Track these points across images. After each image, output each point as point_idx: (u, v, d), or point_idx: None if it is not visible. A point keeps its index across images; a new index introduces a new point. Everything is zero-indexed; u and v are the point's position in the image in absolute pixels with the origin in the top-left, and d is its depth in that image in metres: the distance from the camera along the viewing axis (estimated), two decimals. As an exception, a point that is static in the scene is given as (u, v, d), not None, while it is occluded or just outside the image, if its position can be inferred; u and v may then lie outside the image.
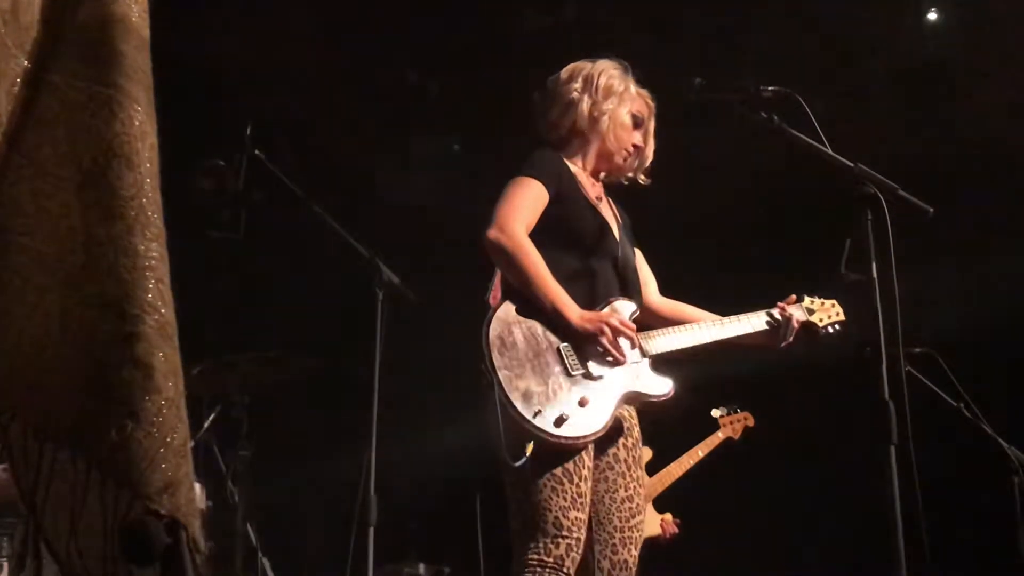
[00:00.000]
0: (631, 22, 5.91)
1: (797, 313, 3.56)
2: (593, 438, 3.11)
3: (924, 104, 6.30)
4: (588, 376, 3.14)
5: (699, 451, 5.17)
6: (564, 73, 3.57)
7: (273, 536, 5.20)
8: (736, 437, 5.21)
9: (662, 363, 3.33)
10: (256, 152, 4.09)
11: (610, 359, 3.18)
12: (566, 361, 3.13)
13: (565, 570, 3.04)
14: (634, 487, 3.29)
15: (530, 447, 2.98)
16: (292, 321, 6.49)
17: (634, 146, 3.55)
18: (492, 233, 3.19)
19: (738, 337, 3.49)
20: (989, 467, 4.75)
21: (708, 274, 6.12)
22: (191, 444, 1.50)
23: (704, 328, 3.46)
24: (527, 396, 3.03)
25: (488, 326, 3.12)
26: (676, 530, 5.10)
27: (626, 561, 3.21)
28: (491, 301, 3.26)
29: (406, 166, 6.86)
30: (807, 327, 3.62)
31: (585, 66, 3.56)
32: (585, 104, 3.49)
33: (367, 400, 3.77)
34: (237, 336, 5.51)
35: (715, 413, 5.23)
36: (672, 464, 5.11)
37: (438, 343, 6.74)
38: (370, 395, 3.77)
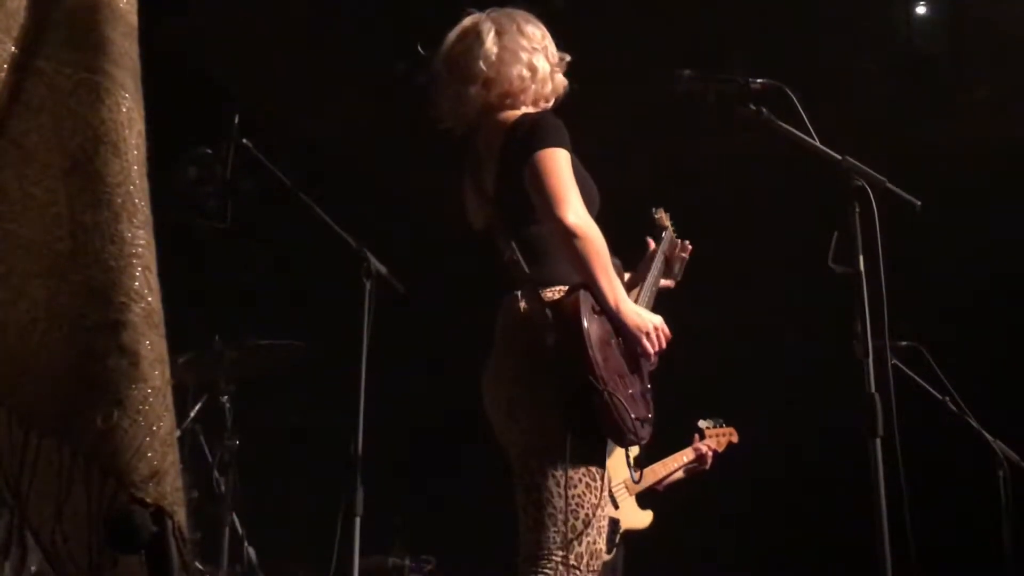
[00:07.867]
0: (620, 11, 5.90)
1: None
2: None
3: (912, 97, 6.31)
4: (634, 373, 3.02)
5: (683, 457, 5.14)
6: None
7: (259, 526, 5.19)
8: (720, 450, 5.20)
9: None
10: (244, 140, 4.07)
11: (642, 357, 3.05)
12: (624, 357, 2.99)
13: (583, 568, 2.89)
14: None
15: (635, 452, 2.84)
16: (279, 311, 6.48)
17: None
18: (571, 218, 2.87)
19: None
20: (975, 461, 4.77)
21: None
22: (177, 433, 1.49)
23: None
24: (630, 399, 2.89)
25: (582, 322, 2.85)
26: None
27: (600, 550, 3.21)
28: (511, 262, 2.98)
29: (395, 155, 6.85)
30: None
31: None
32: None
33: (354, 390, 3.76)
34: (224, 325, 5.49)
35: (702, 424, 5.23)
36: (657, 464, 5.09)
37: (428, 332, 6.76)
38: (357, 385, 3.76)
